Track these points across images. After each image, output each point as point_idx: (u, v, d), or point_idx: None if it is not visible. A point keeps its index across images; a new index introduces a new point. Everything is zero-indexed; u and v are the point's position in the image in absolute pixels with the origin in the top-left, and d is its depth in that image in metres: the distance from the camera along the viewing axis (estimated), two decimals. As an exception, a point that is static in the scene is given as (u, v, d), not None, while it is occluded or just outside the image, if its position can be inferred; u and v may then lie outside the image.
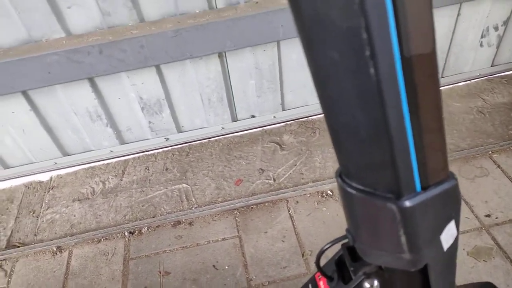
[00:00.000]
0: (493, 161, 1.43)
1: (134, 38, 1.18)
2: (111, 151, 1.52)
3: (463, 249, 1.18)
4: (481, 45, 1.59)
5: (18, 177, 1.56)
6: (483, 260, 1.15)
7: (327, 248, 0.55)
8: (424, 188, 0.38)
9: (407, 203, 0.37)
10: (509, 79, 1.74)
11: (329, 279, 0.57)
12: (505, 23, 1.55)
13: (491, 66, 1.70)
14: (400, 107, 0.33)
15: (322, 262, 0.53)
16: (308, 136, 1.61)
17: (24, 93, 1.29)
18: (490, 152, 1.46)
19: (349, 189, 0.41)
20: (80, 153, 1.52)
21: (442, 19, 1.49)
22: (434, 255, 0.43)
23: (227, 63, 1.39)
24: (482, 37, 1.56)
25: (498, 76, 1.75)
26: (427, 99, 0.34)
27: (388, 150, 0.35)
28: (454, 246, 0.45)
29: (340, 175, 0.43)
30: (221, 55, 1.36)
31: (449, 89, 1.73)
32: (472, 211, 1.28)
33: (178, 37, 1.20)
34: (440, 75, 1.69)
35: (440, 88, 0.35)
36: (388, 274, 0.49)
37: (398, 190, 0.37)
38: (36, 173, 1.56)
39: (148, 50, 1.21)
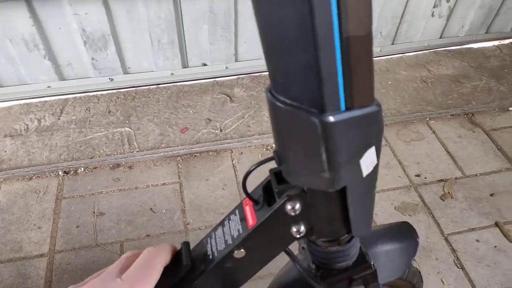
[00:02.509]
0: (429, 127, 1.50)
1: (77, -39, 1.08)
2: (49, 86, 1.43)
3: (391, 204, 1.25)
4: (432, 15, 1.64)
5: None
6: (408, 215, 1.23)
7: (252, 170, 0.55)
8: (348, 108, 0.38)
9: (330, 118, 0.37)
10: (455, 53, 1.82)
11: (255, 203, 0.57)
12: (457, -4, 1.60)
13: (440, 38, 1.76)
14: (330, 9, 0.32)
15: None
16: (259, 91, 1.60)
17: None
18: (428, 118, 1.53)
19: (276, 103, 0.41)
20: (15, 85, 1.42)
21: (399, -15, 1.51)
22: (353, 178, 0.44)
23: (180, 3, 1.33)
24: (434, 6, 1.60)
25: (445, 49, 1.82)
26: (358, 14, 0.33)
27: (314, 57, 0.34)
28: (373, 174, 0.46)
29: (270, 90, 0.42)
30: (173, -6, 1.30)
31: (398, 58, 1.78)
32: (404, 171, 1.36)
33: (126, -33, 1.12)
34: (391, 42, 1.73)
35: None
36: (310, 197, 0.50)
37: (322, 105, 0.37)
38: (-37, 105, 1.45)
39: (93, -23, 1.12)
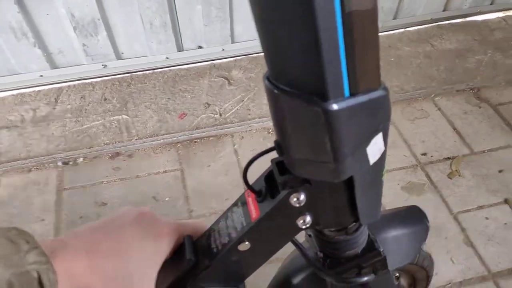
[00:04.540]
0: (434, 104, 1.47)
1: None
2: (41, 75, 1.39)
3: (398, 184, 1.23)
4: (435, -13, 1.58)
5: None
6: (416, 195, 1.21)
7: (253, 160, 0.52)
8: (353, 94, 0.35)
9: (334, 106, 0.34)
10: (458, 27, 1.76)
11: (257, 194, 0.55)
12: (460, -34, 1.54)
13: (443, 11, 1.71)
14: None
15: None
16: (257, 73, 1.56)
17: None
18: (433, 95, 1.49)
19: (275, 91, 0.37)
20: (6, 76, 1.37)
21: (400, -44, 1.45)
22: (359, 167, 0.41)
23: (172, -16, 1.27)
24: (437, -22, 1.54)
25: (449, 23, 1.77)
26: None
27: (313, 37, 0.30)
28: (381, 162, 0.43)
29: (268, 77, 0.39)
30: (166, -26, 1.24)
31: (401, 33, 1.73)
32: (410, 150, 1.33)
33: None
34: (393, 17, 1.68)
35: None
36: (314, 188, 0.47)
37: (325, 92, 0.33)
38: (-45, 97, 1.41)
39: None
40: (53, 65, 1.38)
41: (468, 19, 1.78)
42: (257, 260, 0.59)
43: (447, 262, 1.06)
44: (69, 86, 1.48)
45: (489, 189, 1.22)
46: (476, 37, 1.71)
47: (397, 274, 0.75)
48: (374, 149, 0.41)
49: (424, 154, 1.32)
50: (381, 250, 0.59)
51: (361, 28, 0.32)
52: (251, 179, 0.51)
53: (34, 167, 1.26)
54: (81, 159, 1.28)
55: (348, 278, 0.57)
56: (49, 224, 1.14)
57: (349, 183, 0.41)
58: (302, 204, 0.47)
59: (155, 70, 1.55)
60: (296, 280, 0.67)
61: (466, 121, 1.41)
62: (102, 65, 1.42)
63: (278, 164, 0.51)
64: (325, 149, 0.37)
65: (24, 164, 1.26)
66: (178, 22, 1.38)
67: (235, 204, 0.58)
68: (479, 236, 1.11)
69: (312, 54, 0.31)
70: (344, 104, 0.34)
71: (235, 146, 1.33)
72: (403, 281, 0.80)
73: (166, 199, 1.19)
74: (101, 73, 1.47)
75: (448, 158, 1.30)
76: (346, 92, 0.34)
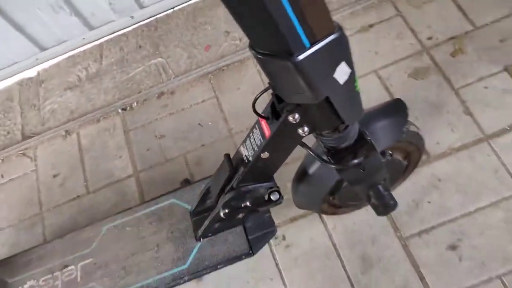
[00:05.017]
0: None
1: None
2: (83, 38, 1.61)
3: (405, 72, 1.38)
4: None
5: (8, 77, 1.69)
6: (421, 78, 1.36)
7: (259, 96, 0.75)
8: (312, 43, 0.52)
9: (299, 58, 0.52)
10: None
11: (266, 119, 0.78)
12: None
13: None
14: None
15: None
16: (265, -10, 1.66)
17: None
18: None
19: (257, 55, 0.57)
20: (56, 45, 1.62)
21: None
22: (332, 88, 0.60)
23: None
24: None
25: None
26: None
27: (264, 9, 0.47)
28: (350, 79, 0.61)
29: (251, 46, 0.58)
30: None
31: None
32: (416, 37, 1.44)
33: None
34: None
35: None
36: (304, 108, 0.68)
37: (289, 48, 0.51)
38: (23, 71, 1.69)
39: None
40: (90, 27, 1.59)
41: None
42: (276, 163, 0.86)
43: (448, 132, 1.25)
44: (107, 40, 1.70)
45: (490, 60, 1.33)
46: None
47: (390, 152, 0.97)
48: (341, 73, 0.61)
49: (429, 38, 1.42)
50: (369, 138, 0.81)
51: None
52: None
53: (101, 117, 1.56)
54: (135, 103, 1.55)
55: (345, 163, 0.80)
56: (126, 159, 1.46)
57: (328, 100, 0.61)
58: (298, 120, 0.70)
59: (175, 9, 1.70)
60: (311, 170, 0.92)
61: None
62: (130, 16, 1.61)
63: (276, 95, 0.74)
64: (302, 86, 0.57)
65: (93, 116, 1.56)
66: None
67: (254, 127, 0.84)
68: (477, 105, 1.27)
69: (267, 20, 0.48)
70: (306, 53, 0.52)
71: (258, 67, 1.52)
72: (398, 155, 1.02)
73: (209, 123, 1.45)
74: (130, 23, 1.65)
75: (452, 38, 1.40)
76: (306, 43, 0.52)
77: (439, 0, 1.48)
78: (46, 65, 1.70)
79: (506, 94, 1.27)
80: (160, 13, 1.68)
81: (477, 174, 1.18)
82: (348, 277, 1.14)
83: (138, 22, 1.68)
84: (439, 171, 1.21)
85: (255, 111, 0.75)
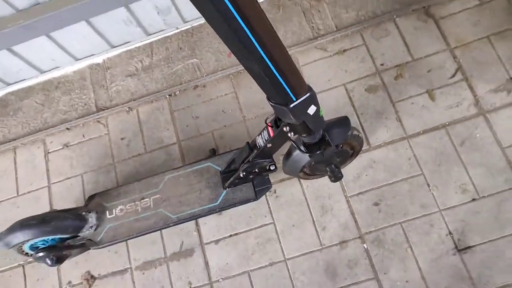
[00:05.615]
0: (395, 24, 2.15)
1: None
2: (141, 41, 2.24)
3: (363, 87, 2.06)
4: None
5: (81, 59, 2.33)
6: (372, 93, 2.05)
7: (271, 118, 1.44)
8: (297, 98, 1.22)
9: (290, 106, 1.21)
10: None
11: (272, 126, 1.48)
12: None
13: None
14: (260, 55, 1.11)
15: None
16: (274, 13, 2.28)
17: (88, 21, 1.96)
18: (395, 16, 2.16)
19: (270, 103, 1.26)
20: (122, 44, 2.25)
21: None
22: (306, 116, 1.29)
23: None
24: None
25: None
26: (273, 47, 1.11)
27: (270, 82, 1.15)
28: (316, 111, 1.31)
29: (267, 98, 1.28)
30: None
31: (379, -40, 2.28)
32: (373, 62, 2.10)
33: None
34: (371, -49, 2.21)
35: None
36: (291, 124, 1.38)
37: (286, 101, 1.21)
38: (93, 58, 2.32)
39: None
40: (147, 33, 2.22)
41: None
42: (275, 149, 1.60)
43: (384, 131, 1.96)
44: (156, 41, 2.32)
45: (418, 84, 2.02)
46: (438, -45, 2.23)
47: (341, 146, 1.68)
48: (311, 110, 1.31)
49: (382, 64, 2.10)
50: (327, 138, 1.52)
51: (280, 63, 1.15)
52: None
53: (154, 100, 2.23)
54: (177, 91, 2.22)
55: (313, 152, 1.52)
56: (171, 131, 2.16)
57: (304, 122, 1.32)
58: (288, 129, 1.41)
59: (204, 22, 2.31)
60: (293, 154, 1.63)
61: (414, 36, 2.11)
62: (176, 27, 2.23)
63: (278, 117, 1.45)
64: (291, 117, 1.27)
65: (148, 98, 2.22)
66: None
67: (263, 130, 1.55)
68: (405, 115, 1.98)
69: (276, 89, 1.17)
70: (294, 104, 1.22)
71: (264, 73, 2.18)
72: (346, 147, 1.74)
73: (230, 111, 2.14)
74: (175, 31, 2.28)
75: (397, 66, 2.08)
76: (294, 99, 1.22)
77: (393, 35, 2.13)
78: (110, 55, 2.33)
79: (424, 109, 1.98)
80: (195, 22, 2.29)
81: (397, 160, 1.92)
82: (312, 218, 1.90)
83: (180, 29, 2.30)
84: (375, 156, 1.94)
85: (265, 122, 1.45)
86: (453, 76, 2.01)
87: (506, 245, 1.74)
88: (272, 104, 1.27)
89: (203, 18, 2.20)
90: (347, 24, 2.18)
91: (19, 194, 2.16)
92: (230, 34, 0.88)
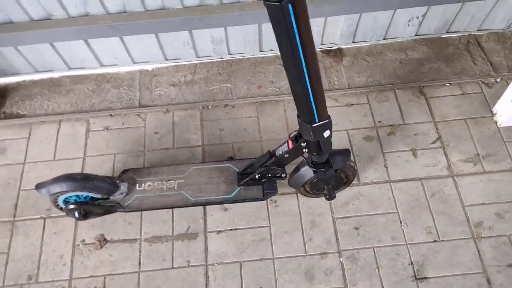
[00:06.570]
0: (395, 94, 2.68)
1: (217, 12, 2.28)
2: (190, 60, 2.72)
3: (362, 136, 2.53)
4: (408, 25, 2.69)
5: (137, 63, 2.77)
6: (368, 142, 2.51)
7: (294, 133, 1.88)
8: (320, 121, 1.66)
9: (313, 125, 1.65)
10: (427, 41, 2.87)
11: (292, 140, 1.91)
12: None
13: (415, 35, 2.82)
14: (305, 80, 1.55)
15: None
16: (301, 64, 2.80)
17: (156, 35, 2.44)
18: (395, 88, 2.70)
19: (298, 119, 1.70)
20: (174, 59, 2.72)
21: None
22: (321, 138, 1.74)
23: None
24: (409, 20, 2.65)
25: (421, 38, 2.87)
26: (315, 80, 1.55)
27: (306, 103, 1.58)
28: (329, 137, 1.75)
29: (298, 116, 1.71)
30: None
31: (389, 43, 2.87)
32: (373, 119, 2.59)
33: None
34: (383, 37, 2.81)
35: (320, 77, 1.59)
36: (309, 141, 1.81)
37: (310, 120, 1.65)
38: (146, 64, 2.77)
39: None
40: (197, 56, 2.70)
41: (434, 36, 2.87)
42: (289, 160, 2.02)
43: (372, 173, 2.40)
44: (200, 63, 2.80)
45: (405, 143, 2.50)
46: (435, 50, 2.83)
47: (339, 172, 2.10)
48: (326, 133, 1.75)
49: (379, 121, 2.59)
50: (330, 162, 1.95)
51: (317, 90, 1.59)
52: (292, 124, 1.86)
53: (189, 108, 2.65)
54: (210, 106, 2.65)
55: (318, 169, 1.94)
56: (198, 135, 2.56)
57: (318, 142, 1.76)
58: (304, 145, 1.85)
59: (244, 58, 2.82)
60: (301, 168, 2.04)
61: (408, 106, 2.63)
62: (221, 56, 2.72)
63: (299, 133, 1.90)
64: (312, 135, 1.70)
65: (184, 106, 2.64)
66: (261, 35, 2.63)
67: (284, 142, 1.99)
68: (391, 164, 2.43)
69: (306, 106, 1.60)
70: (317, 124, 1.65)
71: (285, 107, 2.65)
72: (342, 175, 2.15)
73: (250, 130, 2.56)
74: (218, 59, 2.77)
75: (391, 125, 2.57)
76: (317, 120, 1.66)
77: (391, 102, 2.65)
78: (159, 65, 2.78)
79: (407, 162, 2.44)
80: (236, 56, 2.79)
81: (379, 197, 2.34)
82: (302, 229, 2.26)
83: (223, 59, 2.79)
84: (362, 191, 2.36)
85: (289, 136, 1.88)
86: (434, 142, 2.50)
87: (454, 282, 2.11)
88: (300, 120, 1.70)
89: (244, 54, 2.75)
90: (357, 85, 2.70)
91: (55, 159, 2.48)
92: (292, 64, 1.33)
